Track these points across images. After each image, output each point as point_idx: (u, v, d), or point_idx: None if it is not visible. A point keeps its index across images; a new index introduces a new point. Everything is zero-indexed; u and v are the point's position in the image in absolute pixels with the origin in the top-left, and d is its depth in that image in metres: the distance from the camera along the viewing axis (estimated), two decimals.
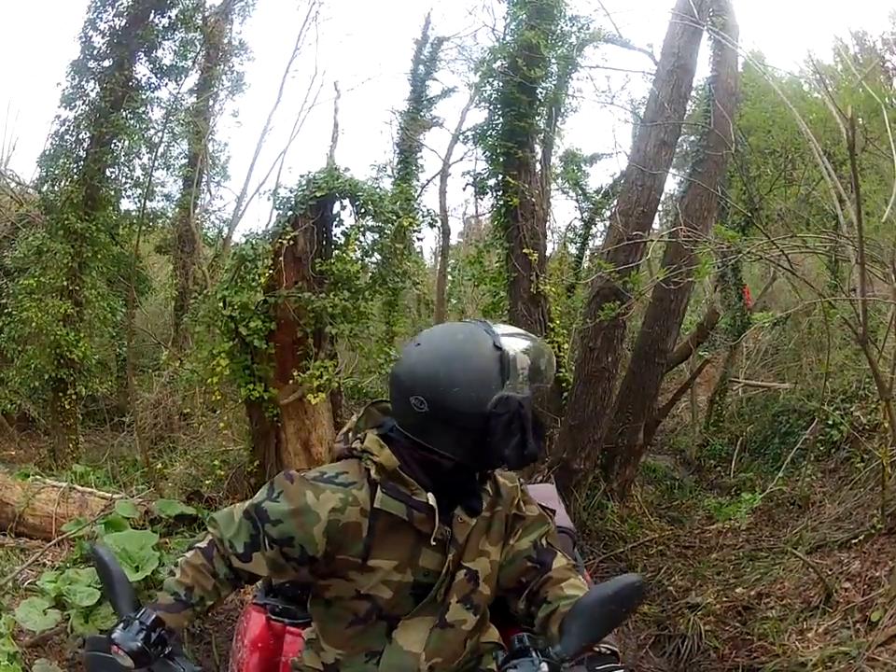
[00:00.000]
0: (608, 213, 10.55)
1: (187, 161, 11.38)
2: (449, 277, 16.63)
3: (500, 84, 6.97)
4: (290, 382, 4.43)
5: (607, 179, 12.88)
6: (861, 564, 4.04)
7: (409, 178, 15.88)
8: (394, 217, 4.14)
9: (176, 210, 11.70)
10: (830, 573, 3.96)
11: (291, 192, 4.39)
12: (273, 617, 1.89)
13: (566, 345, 6.49)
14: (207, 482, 4.60)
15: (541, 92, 7.24)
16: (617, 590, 1.21)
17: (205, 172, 12.71)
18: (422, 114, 16.20)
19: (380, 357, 4.82)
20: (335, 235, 4.36)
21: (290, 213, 4.15)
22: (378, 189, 4.32)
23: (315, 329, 4.44)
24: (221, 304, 4.02)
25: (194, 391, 6.34)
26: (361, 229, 4.24)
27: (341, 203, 4.26)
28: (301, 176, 4.27)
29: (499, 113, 7.04)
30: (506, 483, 1.53)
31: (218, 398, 4.66)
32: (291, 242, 4.08)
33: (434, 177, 17.17)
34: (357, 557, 1.41)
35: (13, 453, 8.45)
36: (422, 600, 1.44)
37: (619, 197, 6.05)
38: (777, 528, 5.35)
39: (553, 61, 7.46)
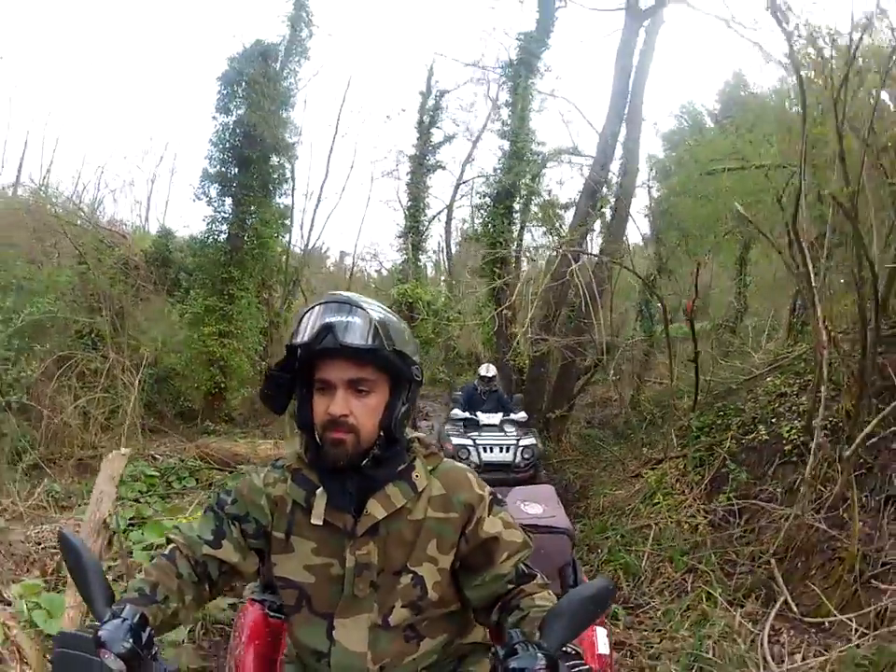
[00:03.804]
0: None
1: None
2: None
3: (489, 208, 11.77)
4: None
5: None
6: (667, 465, 8.68)
7: (417, 215, 20.09)
8: (446, 316, 9.10)
9: None
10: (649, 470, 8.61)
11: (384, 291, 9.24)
12: (271, 613, 1.97)
13: (527, 361, 11.22)
14: None
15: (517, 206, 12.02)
16: (594, 592, 1.28)
17: None
18: (427, 158, 19.75)
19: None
20: (417, 314, 9.20)
21: (392, 305, 8.99)
22: (441, 295, 9.22)
23: None
24: None
25: None
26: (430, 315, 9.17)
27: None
28: (400, 282, 9.16)
29: (488, 222, 11.83)
30: (457, 488, 1.55)
31: None
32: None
33: (439, 213, 20.96)
34: (281, 533, 1.53)
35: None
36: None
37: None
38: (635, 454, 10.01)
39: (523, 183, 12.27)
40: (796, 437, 5.45)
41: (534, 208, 13.11)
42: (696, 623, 4.24)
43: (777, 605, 4.22)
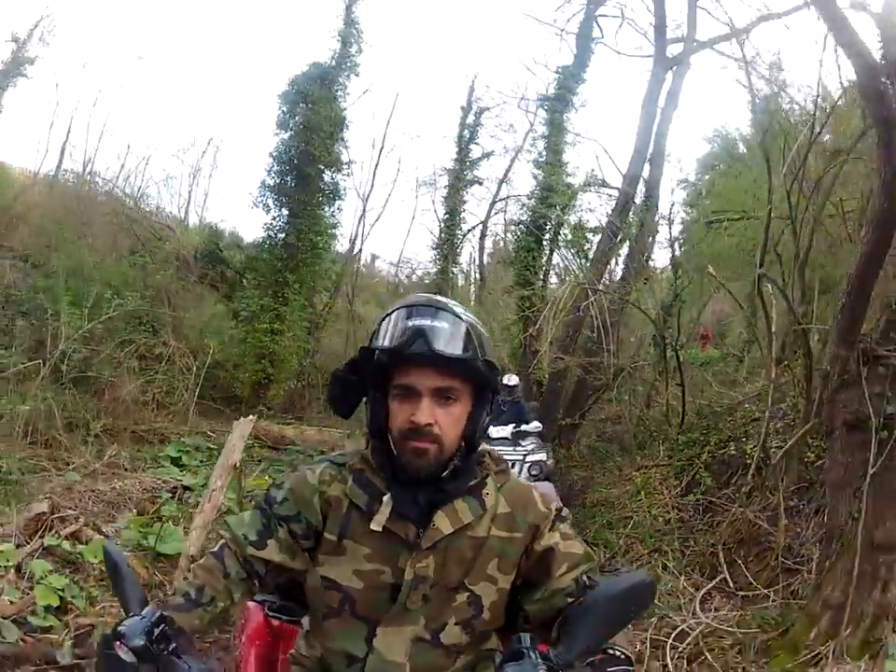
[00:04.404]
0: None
1: None
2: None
3: (523, 231, 13.08)
4: None
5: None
6: (654, 471, 9.87)
7: (453, 228, 21.18)
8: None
9: None
10: (637, 473, 9.81)
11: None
12: (272, 614, 1.95)
13: (546, 377, 12.42)
14: None
15: (547, 236, 13.29)
16: (627, 588, 1.16)
17: None
18: (465, 173, 20.66)
19: None
20: None
21: None
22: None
23: None
24: None
25: None
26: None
27: None
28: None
29: (520, 247, 13.12)
30: (523, 507, 1.49)
31: None
32: None
33: (474, 227, 22.01)
34: (333, 535, 1.46)
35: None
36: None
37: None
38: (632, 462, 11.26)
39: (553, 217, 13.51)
40: (755, 453, 6.64)
41: (562, 237, 14.17)
42: None
43: (717, 579, 5.43)
